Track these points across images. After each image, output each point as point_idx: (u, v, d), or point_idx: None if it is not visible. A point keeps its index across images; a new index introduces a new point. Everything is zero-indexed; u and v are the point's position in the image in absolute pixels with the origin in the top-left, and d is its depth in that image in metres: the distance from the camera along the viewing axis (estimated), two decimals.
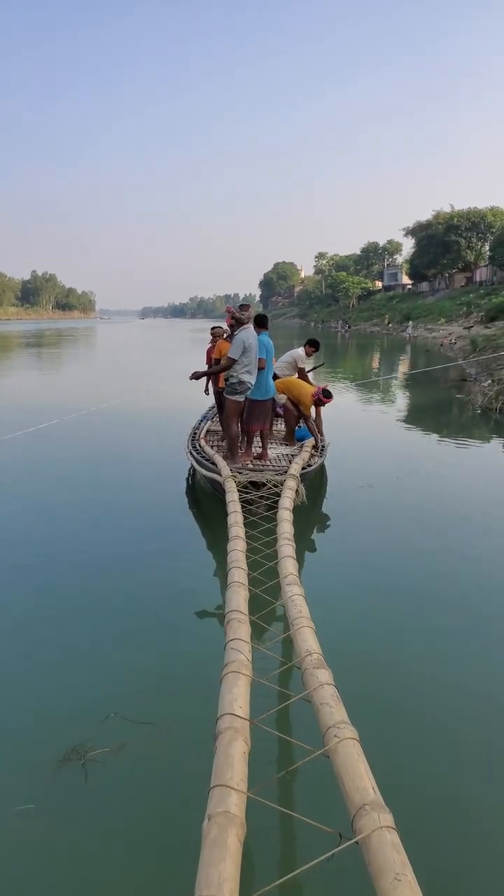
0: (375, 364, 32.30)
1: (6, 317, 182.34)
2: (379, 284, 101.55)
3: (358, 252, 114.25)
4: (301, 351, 9.74)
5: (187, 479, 8.57)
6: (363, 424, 14.19)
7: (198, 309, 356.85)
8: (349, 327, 77.13)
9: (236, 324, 7.54)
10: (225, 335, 8.85)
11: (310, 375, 10.59)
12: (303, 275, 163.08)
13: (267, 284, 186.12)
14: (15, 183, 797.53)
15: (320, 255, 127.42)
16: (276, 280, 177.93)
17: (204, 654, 4.22)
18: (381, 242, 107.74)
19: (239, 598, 3.31)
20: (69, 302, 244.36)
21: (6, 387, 21.05)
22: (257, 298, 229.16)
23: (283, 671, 3.44)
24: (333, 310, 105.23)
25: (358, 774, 2.19)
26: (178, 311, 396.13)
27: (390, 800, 2.03)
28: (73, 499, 7.96)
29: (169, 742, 3.40)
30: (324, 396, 8.65)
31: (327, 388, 8.86)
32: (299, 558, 4.59)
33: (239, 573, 3.67)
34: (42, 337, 64.19)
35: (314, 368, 11.12)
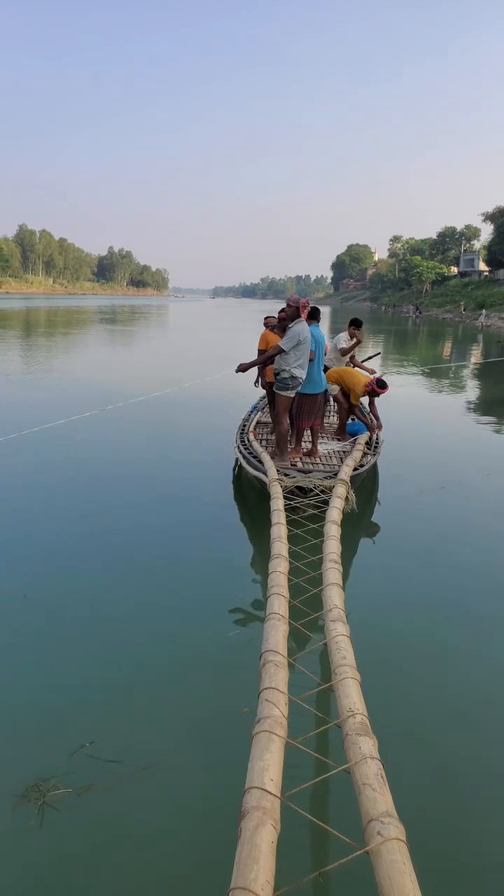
0: (445, 352, 31.05)
1: (82, 291, 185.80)
2: (454, 270, 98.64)
3: (434, 236, 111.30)
4: (342, 334, 9.45)
5: (234, 470, 8.25)
6: (425, 417, 13.46)
7: (268, 290, 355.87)
8: (420, 313, 75.40)
9: (287, 318, 7.17)
10: (272, 327, 8.47)
11: (373, 363, 10.10)
12: (376, 258, 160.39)
13: (339, 266, 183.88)
14: (95, 160, 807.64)
15: (395, 239, 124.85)
16: (349, 262, 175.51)
17: (215, 685, 3.78)
18: (459, 227, 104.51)
19: (278, 634, 2.90)
20: (143, 279, 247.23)
21: (83, 365, 21.02)
22: (328, 280, 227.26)
23: (321, 731, 2.99)
24: (405, 294, 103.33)
25: (403, 892, 1.78)
26: (248, 292, 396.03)
27: None
28: (115, 483, 7.79)
29: (144, 788, 2.93)
30: (378, 386, 8.16)
31: (382, 377, 8.36)
32: (345, 581, 4.10)
33: (279, 602, 3.26)
34: (116, 313, 64.66)
35: (370, 358, 10.57)
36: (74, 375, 18.08)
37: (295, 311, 7.06)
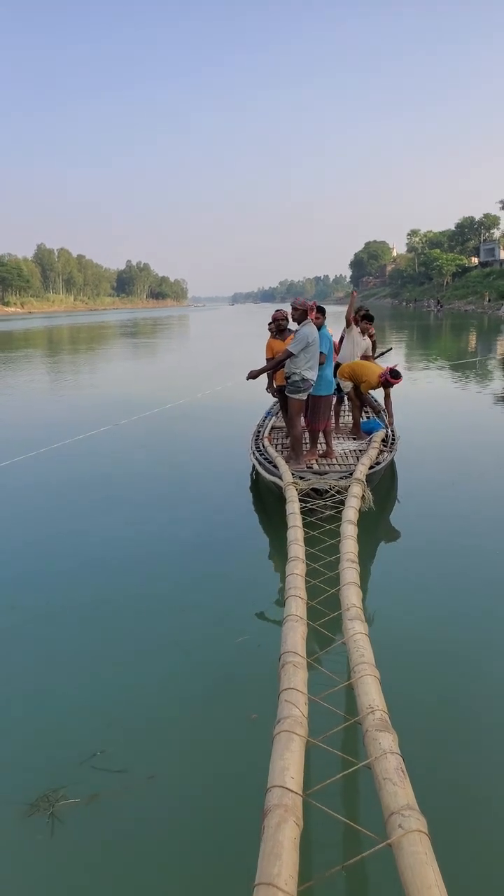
0: (464, 346, 30.63)
1: (103, 307, 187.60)
2: (475, 261, 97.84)
3: (452, 228, 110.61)
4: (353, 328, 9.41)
5: (251, 475, 8.26)
6: (445, 413, 13.26)
7: (287, 292, 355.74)
8: (441, 306, 74.86)
9: (300, 319, 7.18)
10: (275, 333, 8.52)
11: (387, 360, 10.05)
12: (395, 253, 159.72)
13: (357, 264, 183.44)
14: (108, 174, 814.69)
15: (413, 233, 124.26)
16: (367, 259, 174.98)
17: (235, 689, 3.79)
18: (477, 217, 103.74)
19: (296, 636, 2.93)
20: (162, 290, 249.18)
21: (101, 381, 21.19)
22: (348, 279, 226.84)
23: (342, 729, 2.97)
24: (427, 288, 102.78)
25: (425, 883, 1.80)
26: (267, 296, 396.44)
27: None
28: (133, 496, 7.85)
29: (146, 798, 2.93)
30: (391, 377, 8.10)
31: (396, 367, 8.32)
32: (364, 580, 4.12)
33: (297, 604, 3.29)
34: (138, 326, 65.18)
35: (381, 354, 10.50)
36: (92, 391, 18.25)
37: (302, 313, 7.09)
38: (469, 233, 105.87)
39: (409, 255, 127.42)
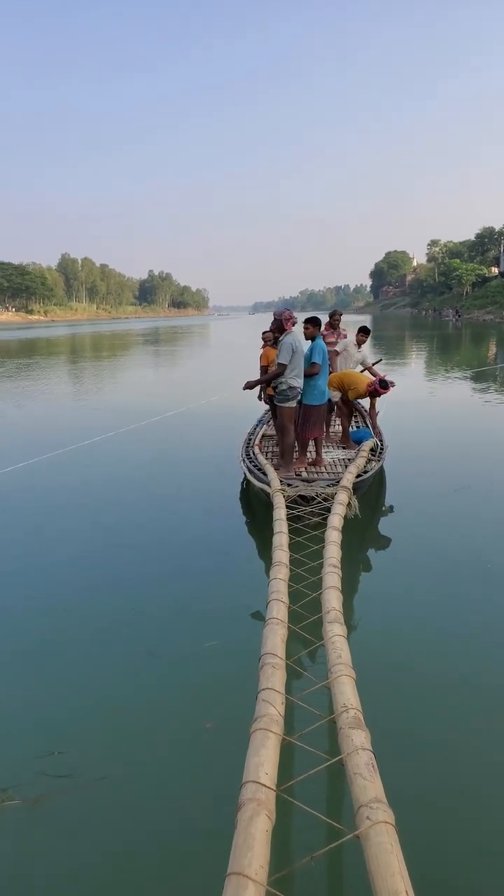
0: (477, 356, 30.49)
1: (125, 315, 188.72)
2: (495, 271, 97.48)
3: (472, 238, 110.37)
4: (348, 339, 9.50)
5: (242, 483, 8.31)
6: (441, 422, 13.23)
7: (308, 302, 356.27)
8: (460, 316, 74.67)
9: (278, 330, 7.39)
10: (270, 341, 8.70)
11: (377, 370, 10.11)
12: (415, 263, 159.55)
13: (378, 274, 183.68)
14: (131, 184, 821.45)
15: (433, 243, 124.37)
16: (388, 269, 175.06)
17: (216, 691, 3.85)
18: (497, 227, 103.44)
19: (276, 638, 3.00)
20: (184, 300, 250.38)
21: (109, 388, 21.27)
22: (368, 289, 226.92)
23: (317, 727, 3.00)
24: (446, 298, 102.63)
25: (389, 871, 1.86)
26: (287, 305, 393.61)
27: None
28: (128, 501, 7.95)
29: (95, 802, 2.95)
30: (380, 387, 8.13)
31: (385, 377, 8.33)
32: (348, 587, 4.19)
33: (278, 607, 3.37)
34: (159, 334, 65.40)
35: (373, 364, 10.55)
36: (101, 399, 18.31)
37: (280, 324, 7.29)
38: (489, 243, 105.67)
39: (429, 265, 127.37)
